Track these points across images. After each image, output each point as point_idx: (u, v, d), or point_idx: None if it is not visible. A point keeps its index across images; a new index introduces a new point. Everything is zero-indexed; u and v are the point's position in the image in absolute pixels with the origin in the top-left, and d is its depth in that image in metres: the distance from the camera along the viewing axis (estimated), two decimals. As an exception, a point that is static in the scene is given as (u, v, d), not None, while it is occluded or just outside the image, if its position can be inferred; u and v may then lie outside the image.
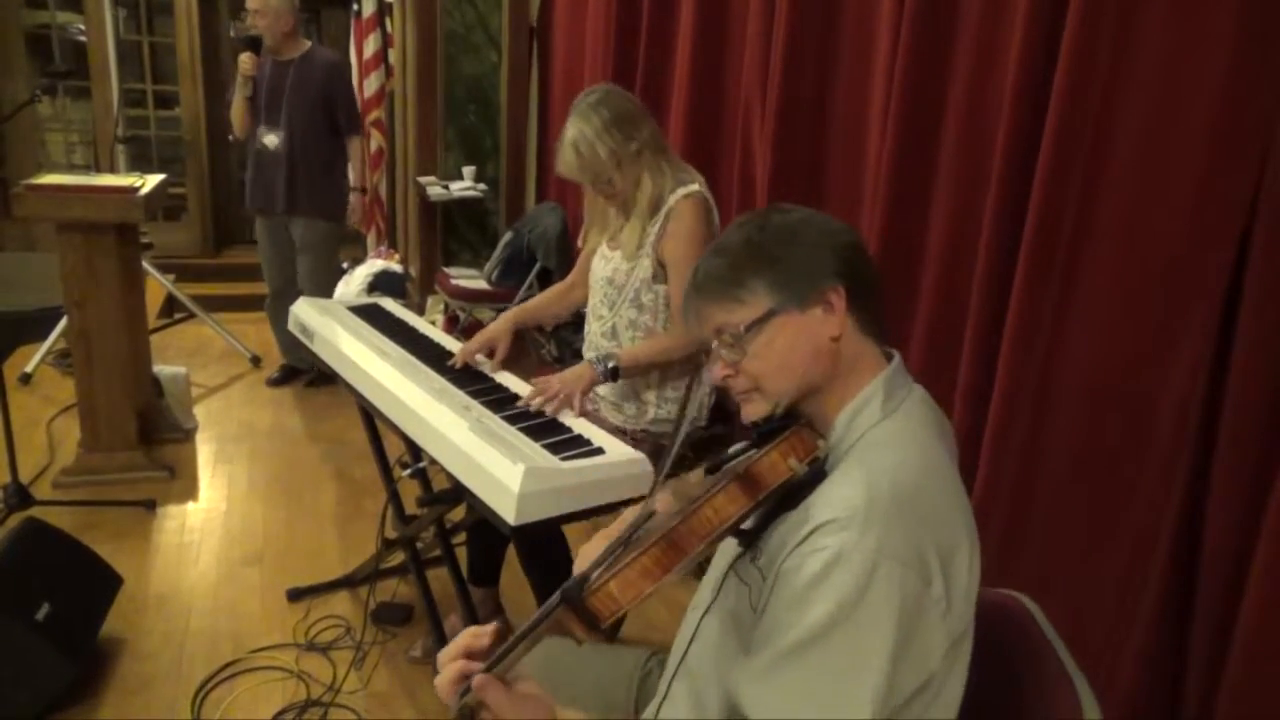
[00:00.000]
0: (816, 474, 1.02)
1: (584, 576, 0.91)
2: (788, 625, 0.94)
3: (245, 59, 3.77)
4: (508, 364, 2.21)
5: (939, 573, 0.95)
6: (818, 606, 0.92)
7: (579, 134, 2.03)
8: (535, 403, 1.94)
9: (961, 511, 1.02)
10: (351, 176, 4.07)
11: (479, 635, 1.04)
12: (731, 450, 1.17)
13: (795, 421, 1.07)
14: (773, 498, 1.00)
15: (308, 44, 3.93)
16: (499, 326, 2.23)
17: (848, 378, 1.07)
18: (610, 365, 2.05)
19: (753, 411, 1.10)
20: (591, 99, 2.07)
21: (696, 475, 1.13)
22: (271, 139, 3.87)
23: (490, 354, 2.20)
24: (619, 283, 2.16)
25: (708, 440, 2.32)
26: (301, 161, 3.88)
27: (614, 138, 2.02)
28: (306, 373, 4.21)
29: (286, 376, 4.27)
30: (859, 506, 0.94)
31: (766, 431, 1.07)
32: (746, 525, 1.03)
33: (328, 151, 3.96)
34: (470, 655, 1.02)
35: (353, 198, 4.10)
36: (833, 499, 0.97)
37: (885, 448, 1.02)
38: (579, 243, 2.37)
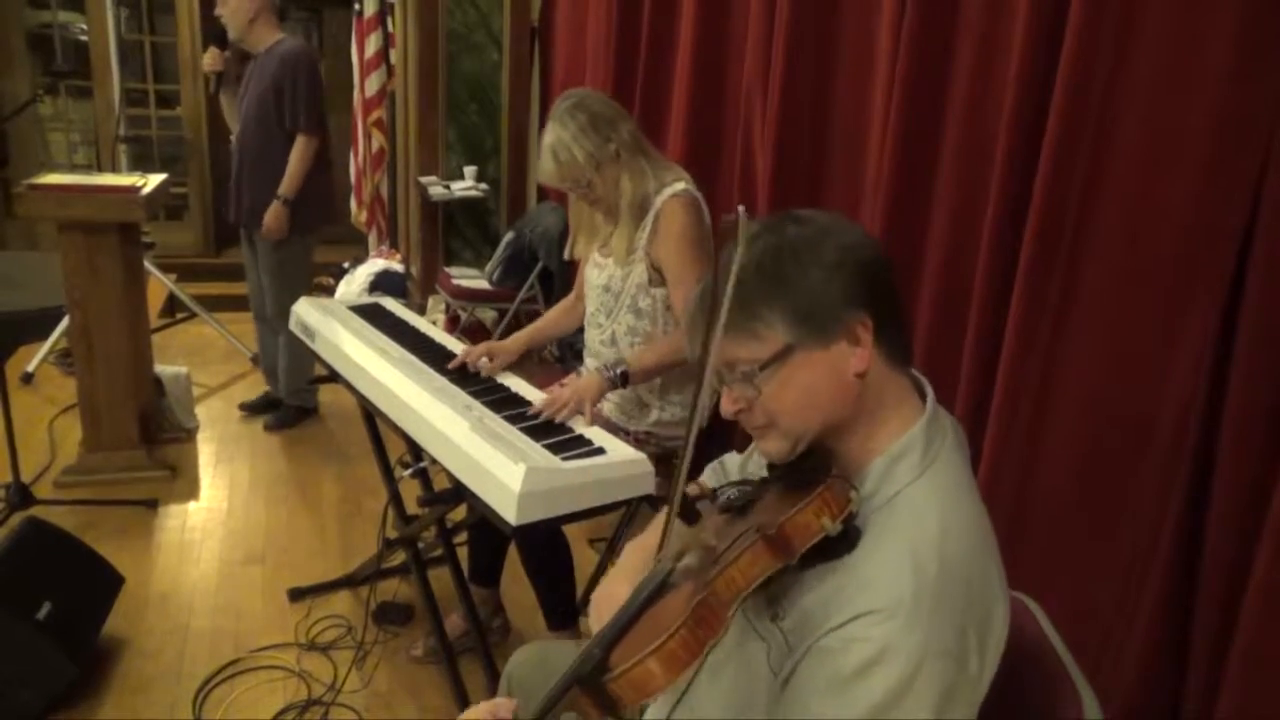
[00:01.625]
0: (850, 530, 0.94)
1: (602, 659, 0.85)
2: (825, 712, 0.90)
3: (208, 54, 3.49)
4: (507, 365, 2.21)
5: (975, 652, 0.92)
6: (861, 702, 0.88)
7: (556, 139, 2.03)
8: (547, 412, 1.92)
9: (997, 568, 0.98)
10: (285, 181, 3.42)
11: (499, 710, 1.00)
12: (745, 462, 1.10)
13: (825, 468, 0.98)
14: (804, 558, 0.93)
15: (278, 36, 3.48)
16: (510, 345, 2.21)
17: (875, 413, 1.00)
18: (620, 371, 2.05)
19: (771, 449, 1.02)
20: (567, 104, 2.07)
21: (706, 511, 1.07)
22: (234, 139, 3.57)
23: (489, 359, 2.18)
24: (615, 290, 2.16)
25: (704, 439, 2.32)
26: (248, 164, 3.49)
27: (591, 140, 2.02)
28: (284, 406, 3.79)
29: (265, 405, 3.87)
30: (905, 597, 0.89)
31: (792, 476, 0.99)
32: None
33: (279, 154, 3.43)
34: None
35: (272, 206, 3.41)
36: (878, 583, 0.91)
37: (928, 515, 0.95)
38: (567, 254, 2.36)
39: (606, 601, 1.12)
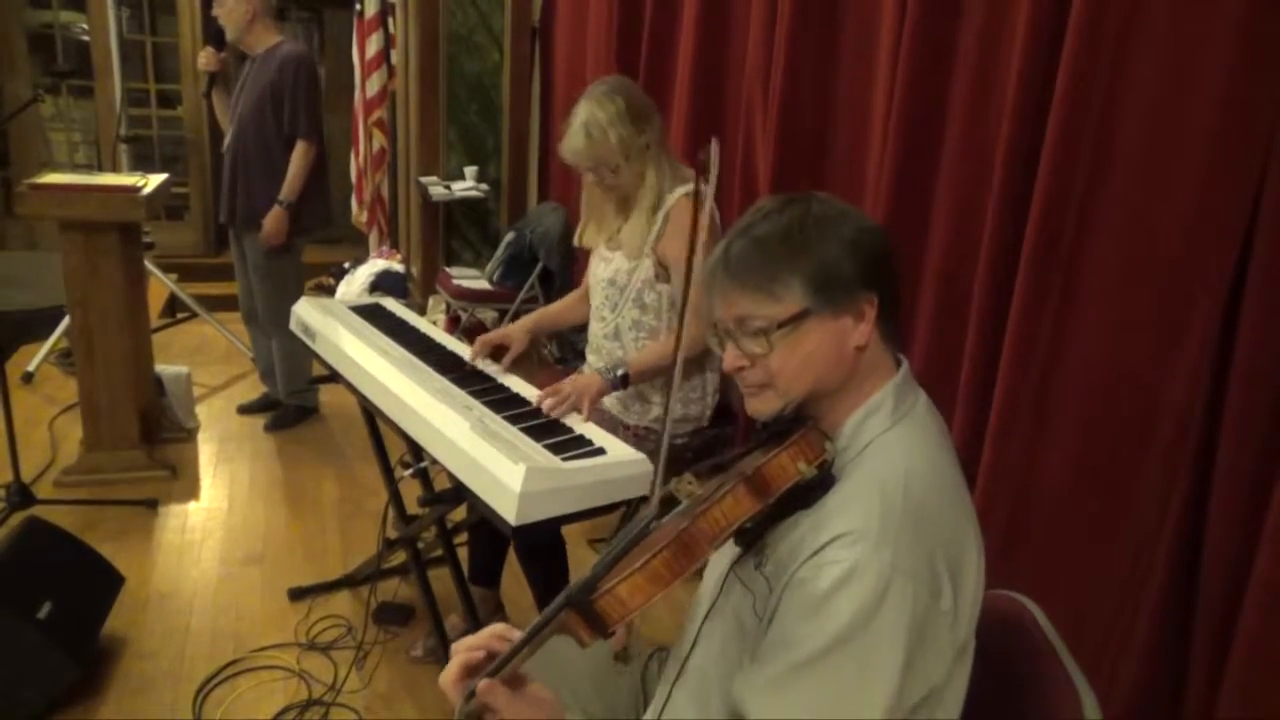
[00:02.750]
0: (825, 478, 1.00)
1: (591, 580, 0.90)
2: (800, 638, 0.94)
3: (203, 54, 3.45)
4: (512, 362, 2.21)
5: (948, 584, 0.95)
6: (831, 621, 0.92)
7: (591, 117, 2.02)
8: (546, 405, 1.93)
9: (969, 520, 1.02)
10: (286, 186, 3.41)
11: (504, 637, 1.02)
12: (734, 454, 1.14)
13: (803, 423, 1.05)
14: (781, 500, 0.99)
15: (277, 38, 3.44)
16: (516, 330, 2.22)
17: (861, 383, 1.06)
18: (620, 373, 2.06)
19: (762, 406, 1.07)
20: (605, 87, 2.07)
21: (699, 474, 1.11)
22: (226, 140, 3.52)
23: (500, 353, 2.19)
24: (620, 284, 2.16)
25: (712, 441, 2.32)
26: (242, 167, 3.44)
27: (626, 128, 2.02)
28: (283, 406, 3.78)
29: (263, 405, 3.86)
30: (873, 520, 0.93)
31: (774, 432, 1.05)
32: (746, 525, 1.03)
33: (277, 158, 3.41)
34: (491, 654, 1.00)
35: (272, 211, 3.39)
36: (847, 511, 0.96)
37: (895, 456, 1.01)
38: (575, 240, 2.36)
39: None
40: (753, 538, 1.05)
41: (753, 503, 0.96)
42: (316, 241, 3.75)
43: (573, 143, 2.04)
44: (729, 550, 1.11)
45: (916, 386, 1.10)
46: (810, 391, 1.05)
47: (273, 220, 3.41)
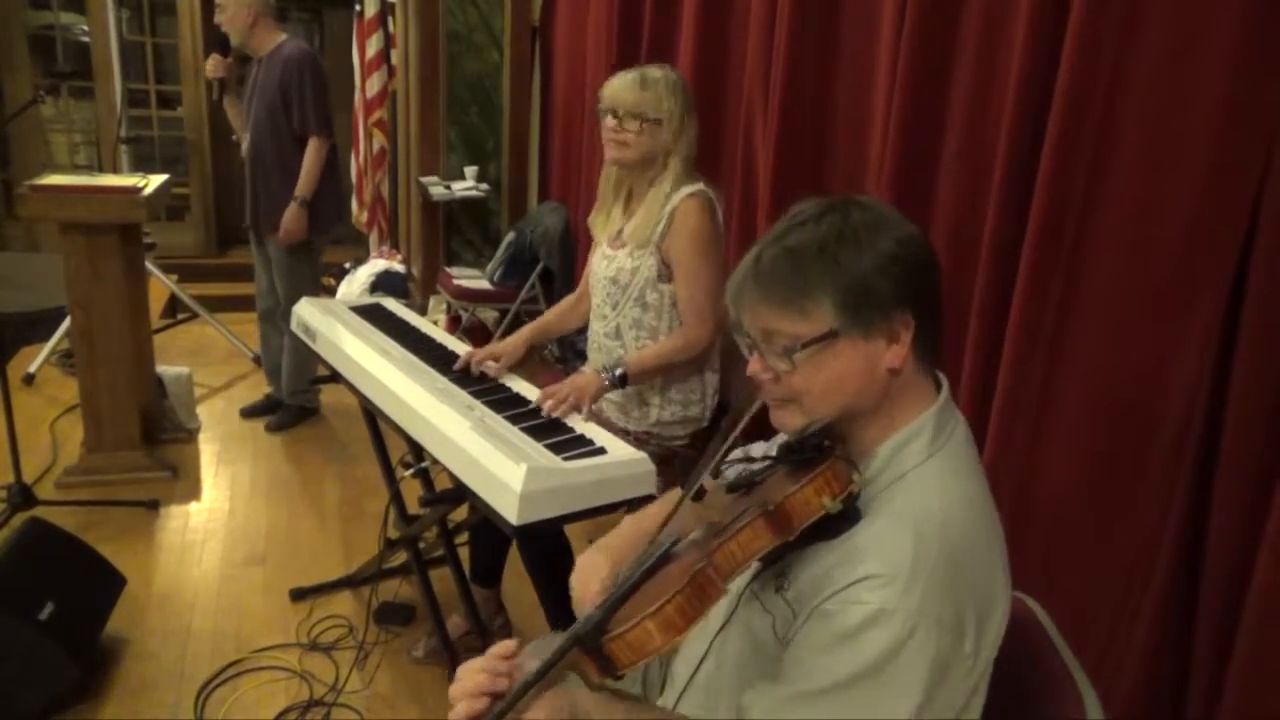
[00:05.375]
0: (849, 511, 0.96)
1: (602, 620, 0.87)
2: (820, 668, 0.92)
3: (210, 61, 3.48)
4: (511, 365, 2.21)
5: (973, 632, 0.93)
6: (854, 657, 0.90)
7: (654, 76, 2.07)
8: (546, 406, 1.94)
9: (1001, 563, 0.99)
10: (301, 183, 3.45)
11: (505, 658, 0.98)
12: (756, 461, 1.11)
13: (829, 449, 0.99)
14: (802, 536, 0.95)
15: (281, 38, 3.49)
16: (514, 342, 2.21)
17: (894, 407, 1.01)
18: (618, 373, 2.06)
19: (787, 420, 1.03)
20: (673, 72, 2.12)
21: (714, 490, 1.09)
22: (244, 145, 3.57)
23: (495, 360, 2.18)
24: (622, 282, 2.16)
25: (709, 438, 2.32)
26: (261, 170, 3.51)
27: (680, 105, 2.07)
28: (285, 407, 3.81)
29: (267, 407, 3.87)
30: (905, 563, 0.91)
31: (801, 459, 1.00)
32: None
33: (292, 158, 3.47)
34: (493, 695, 0.96)
35: (289, 208, 3.44)
36: (880, 550, 0.93)
37: (932, 494, 0.96)
38: (589, 222, 2.36)
39: (585, 570, 1.15)
40: (773, 558, 1.02)
41: (772, 537, 0.93)
42: (331, 241, 3.78)
43: (621, 85, 2.07)
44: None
45: (956, 412, 1.06)
46: (838, 413, 1.01)
47: (291, 217, 3.45)
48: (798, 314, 0.97)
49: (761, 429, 1.16)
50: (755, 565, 1.03)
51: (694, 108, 2.11)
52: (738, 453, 1.35)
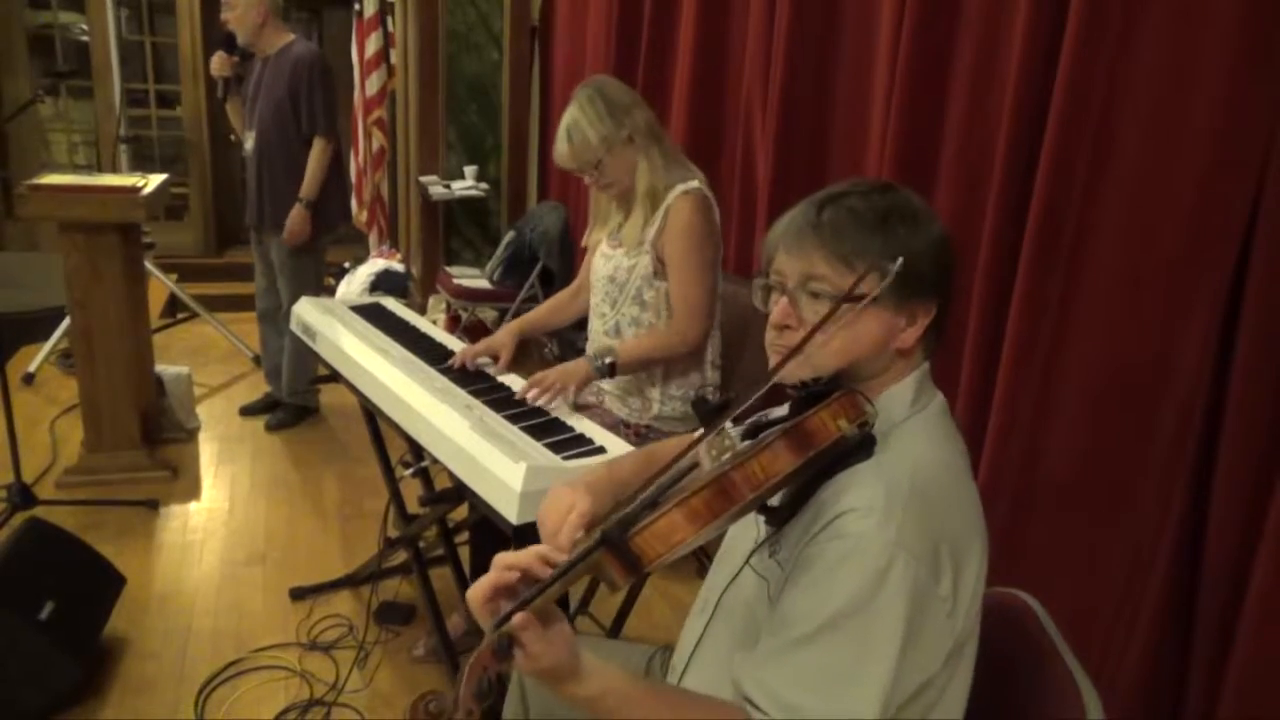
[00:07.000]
0: (866, 438, 0.98)
1: (626, 518, 0.88)
2: (801, 613, 0.94)
3: (216, 59, 3.46)
4: (510, 363, 2.21)
5: (949, 571, 0.95)
6: (834, 596, 0.92)
7: (571, 121, 2.07)
8: (530, 395, 1.94)
9: (976, 516, 1.02)
10: (306, 184, 3.45)
11: (546, 559, 1.00)
12: (772, 417, 1.14)
13: (840, 386, 1.02)
14: (821, 459, 0.96)
15: (289, 38, 3.48)
16: (501, 336, 2.20)
17: (884, 376, 1.06)
18: (608, 361, 2.06)
19: (790, 371, 1.04)
20: (586, 89, 2.11)
21: (734, 436, 1.10)
22: (248, 144, 3.55)
23: (494, 360, 2.18)
24: (620, 280, 2.16)
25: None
26: (267, 170, 3.49)
27: (605, 124, 2.05)
28: (285, 406, 3.81)
29: (266, 406, 3.87)
30: (879, 497, 0.94)
31: (812, 393, 1.02)
32: (775, 502, 1.02)
33: (299, 158, 3.47)
34: (525, 578, 0.99)
35: (294, 210, 3.44)
36: (855, 489, 0.96)
37: (905, 445, 1.01)
38: (584, 242, 2.37)
39: (560, 500, 1.17)
40: (786, 515, 1.03)
41: (792, 458, 0.93)
42: (333, 240, 3.79)
43: (559, 148, 2.10)
44: (741, 547, 1.11)
45: (935, 388, 1.10)
46: (838, 370, 1.04)
47: (296, 218, 3.45)
48: (846, 268, 1.01)
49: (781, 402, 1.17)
50: (751, 545, 1.07)
51: (625, 103, 2.08)
52: (756, 416, 1.36)
